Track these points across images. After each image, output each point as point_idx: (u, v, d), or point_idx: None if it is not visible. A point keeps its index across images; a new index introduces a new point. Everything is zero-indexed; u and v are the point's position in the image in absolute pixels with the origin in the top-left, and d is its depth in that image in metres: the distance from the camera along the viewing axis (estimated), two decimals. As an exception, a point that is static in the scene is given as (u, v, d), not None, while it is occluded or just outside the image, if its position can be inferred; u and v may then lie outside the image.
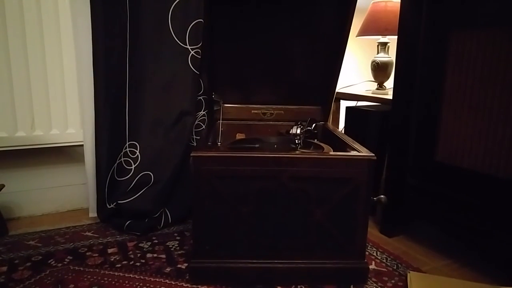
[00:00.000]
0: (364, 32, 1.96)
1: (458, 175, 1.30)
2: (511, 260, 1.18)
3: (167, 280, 1.19)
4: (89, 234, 1.51)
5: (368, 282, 1.21)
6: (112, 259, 1.31)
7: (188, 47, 1.50)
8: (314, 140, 1.52)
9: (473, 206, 1.25)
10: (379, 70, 1.94)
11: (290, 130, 1.50)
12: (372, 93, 1.93)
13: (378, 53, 1.97)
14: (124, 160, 1.54)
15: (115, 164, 1.56)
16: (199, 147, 1.54)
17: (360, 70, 2.36)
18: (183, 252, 1.37)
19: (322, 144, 1.41)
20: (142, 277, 1.21)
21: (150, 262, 1.30)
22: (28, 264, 1.27)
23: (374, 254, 1.40)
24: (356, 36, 2.01)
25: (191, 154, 1.09)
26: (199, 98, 1.61)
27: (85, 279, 1.19)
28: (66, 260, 1.30)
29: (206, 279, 1.17)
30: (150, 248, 1.40)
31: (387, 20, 1.85)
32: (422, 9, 1.37)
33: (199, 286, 1.16)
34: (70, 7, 1.48)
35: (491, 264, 1.33)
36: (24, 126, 1.52)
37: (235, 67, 1.57)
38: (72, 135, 1.62)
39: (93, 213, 1.62)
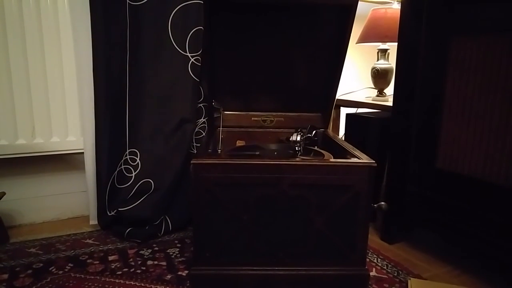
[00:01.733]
0: (364, 39, 1.97)
1: (458, 182, 1.30)
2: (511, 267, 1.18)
3: (167, 287, 1.19)
4: (90, 241, 1.51)
5: (369, 289, 1.21)
6: (112, 267, 1.31)
7: (188, 54, 1.50)
8: (314, 147, 1.52)
9: (473, 213, 1.25)
10: (379, 77, 1.95)
11: (290, 137, 1.51)
12: (372, 100, 1.93)
13: (378, 60, 1.98)
14: (124, 167, 1.54)
15: (116, 172, 1.56)
16: (200, 154, 1.54)
17: (360, 77, 2.36)
18: (184, 259, 1.37)
19: (323, 151, 1.42)
20: (142, 284, 1.20)
21: (151, 270, 1.30)
22: (29, 271, 1.27)
23: (375, 261, 1.40)
24: (356, 43, 2.01)
25: (192, 161, 1.10)
26: (199, 105, 1.62)
27: (86, 286, 1.19)
28: (67, 267, 1.30)
29: (206, 286, 1.17)
30: (151, 256, 1.39)
31: (387, 26, 1.85)
32: (422, 16, 1.38)
33: (200, 294, 1.16)
34: (70, 15, 1.49)
35: (491, 271, 1.33)
36: (24, 134, 1.52)
37: (235, 74, 1.58)
38: (73, 143, 1.62)
39: (93, 221, 1.62)
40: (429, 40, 1.37)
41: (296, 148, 1.46)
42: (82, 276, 1.25)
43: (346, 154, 1.28)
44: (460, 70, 1.28)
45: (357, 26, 1.55)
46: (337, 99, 1.82)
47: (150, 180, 1.52)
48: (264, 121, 1.66)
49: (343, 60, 1.51)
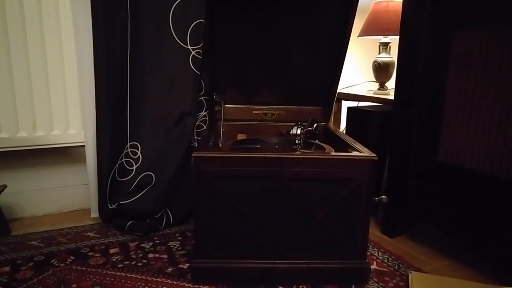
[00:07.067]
0: (365, 32, 1.96)
1: (460, 175, 1.30)
2: (513, 260, 1.18)
3: (168, 280, 1.19)
4: (91, 234, 1.51)
5: (370, 282, 1.21)
6: (114, 259, 1.32)
7: (189, 47, 1.50)
8: (315, 140, 1.52)
9: (474, 206, 1.25)
10: (380, 70, 1.94)
11: (290, 131, 1.50)
12: (374, 94, 1.93)
13: (379, 53, 1.97)
14: (125, 160, 1.54)
15: (117, 165, 1.56)
16: (201, 147, 1.54)
17: (361, 71, 2.36)
18: (185, 252, 1.37)
19: (324, 145, 1.41)
20: (144, 277, 1.21)
21: (152, 262, 1.30)
22: (31, 264, 1.27)
23: (376, 254, 1.40)
24: (358, 36, 2.01)
25: (193, 155, 1.10)
26: (200, 98, 1.61)
27: (88, 279, 1.19)
28: (68, 260, 1.30)
29: (207, 279, 1.17)
30: (152, 249, 1.40)
31: (389, 20, 1.84)
32: (424, 9, 1.37)
33: (201, 286, 1.16)
34: (70, 8, 1.48)
35: (492, 264, 1.33)
36: (25, 127, 1.52)
37: (236, 67, 1.57)
38: (74, 136, 1.62)
39: (95, 214, 1.62)
40: (431, 33, 1.36)
41: (296, 141, 1.46)
42: (84, 268, 1.25)
43: (347, 147, 1.28)
44: (461, 63, 1.27)
45: (358, 19, 1.54)
46: (338, 92, 1.81)
47: (151, 173, 1.52)
48: (265, 114, 1.65)
49: (345, 53, 1.51)
